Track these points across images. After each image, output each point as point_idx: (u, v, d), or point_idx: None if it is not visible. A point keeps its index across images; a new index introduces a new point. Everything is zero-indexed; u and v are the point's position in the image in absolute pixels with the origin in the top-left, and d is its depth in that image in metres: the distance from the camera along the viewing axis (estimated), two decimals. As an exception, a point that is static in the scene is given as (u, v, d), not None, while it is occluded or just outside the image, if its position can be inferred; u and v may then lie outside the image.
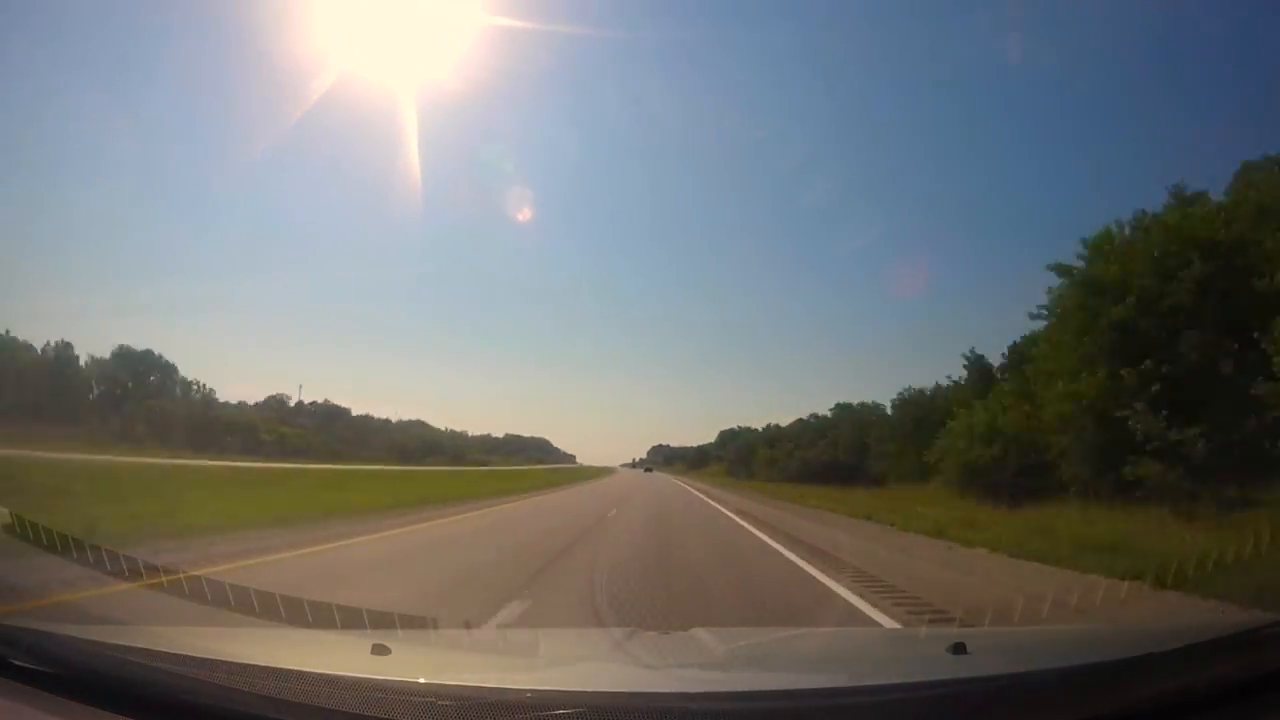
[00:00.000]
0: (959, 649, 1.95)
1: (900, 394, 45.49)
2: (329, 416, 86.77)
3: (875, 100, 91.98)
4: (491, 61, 60.73)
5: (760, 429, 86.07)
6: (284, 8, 55.03)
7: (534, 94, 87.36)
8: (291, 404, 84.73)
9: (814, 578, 8.59)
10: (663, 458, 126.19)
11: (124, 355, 66.27)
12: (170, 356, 70.41)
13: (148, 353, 68.24)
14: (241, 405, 78.67)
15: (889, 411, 48.02)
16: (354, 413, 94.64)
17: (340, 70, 53.24)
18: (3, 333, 56.06)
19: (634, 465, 79.37)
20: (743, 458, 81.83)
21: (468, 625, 4.68)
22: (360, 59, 56.51)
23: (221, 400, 74.68)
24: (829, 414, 62.85)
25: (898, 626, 5.57)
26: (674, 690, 1.73)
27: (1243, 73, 54.91)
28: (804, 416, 72.51)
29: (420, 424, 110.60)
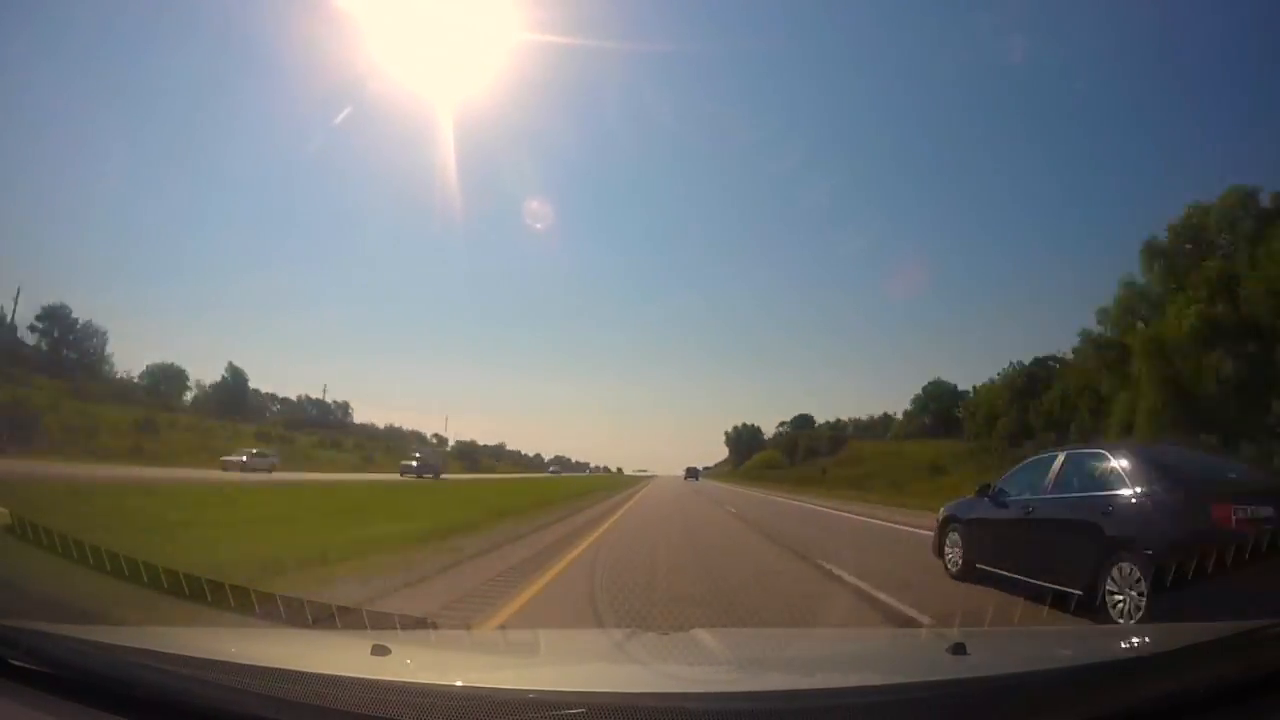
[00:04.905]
0: (959, 649, 1.95)
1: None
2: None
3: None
4: (524, 72, 63.00)
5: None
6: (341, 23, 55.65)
7: (582, 101, 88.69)
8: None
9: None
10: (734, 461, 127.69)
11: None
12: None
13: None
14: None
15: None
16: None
17: (383, 82, 55.11)
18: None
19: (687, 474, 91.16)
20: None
21: (468, 625, 4.67)
22: (400, 70, 57.90)
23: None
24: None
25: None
26: (674, 690, 1.73)
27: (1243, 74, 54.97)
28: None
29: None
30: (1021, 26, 57.00)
